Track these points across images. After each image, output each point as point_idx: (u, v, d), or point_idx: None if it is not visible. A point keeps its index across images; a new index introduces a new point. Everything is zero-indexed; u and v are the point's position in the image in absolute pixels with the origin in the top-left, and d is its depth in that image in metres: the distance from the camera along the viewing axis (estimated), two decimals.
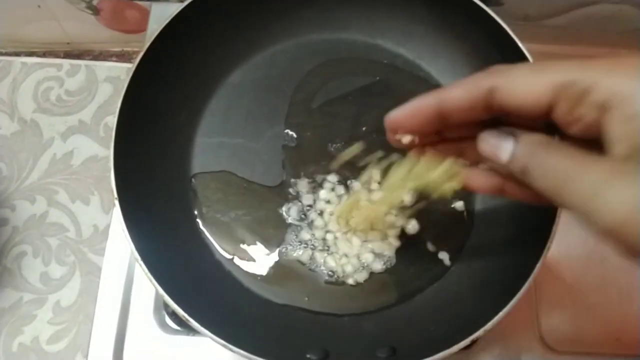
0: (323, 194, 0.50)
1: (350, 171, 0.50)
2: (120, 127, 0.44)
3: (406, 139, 0.34)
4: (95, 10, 0.63)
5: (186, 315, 0.39)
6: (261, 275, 0.48)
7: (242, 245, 0.49)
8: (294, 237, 0.49)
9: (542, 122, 0.28)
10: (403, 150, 0.36)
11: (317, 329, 0.46)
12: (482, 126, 0.31)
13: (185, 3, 0.47)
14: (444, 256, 0.49)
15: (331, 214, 0.49)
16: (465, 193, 0.51)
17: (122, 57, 0.69)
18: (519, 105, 0.27)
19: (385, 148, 0.52)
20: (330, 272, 0.48)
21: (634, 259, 0.23)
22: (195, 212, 0.50)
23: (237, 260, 0.48)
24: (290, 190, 0.50)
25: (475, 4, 0.48)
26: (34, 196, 0.61)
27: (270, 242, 0.49)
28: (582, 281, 0.52)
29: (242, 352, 0.38)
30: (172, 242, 0.46)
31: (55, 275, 0.58)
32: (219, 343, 0.38)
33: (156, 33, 0.46)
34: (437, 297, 0.47)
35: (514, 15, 0.60)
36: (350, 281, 0.48)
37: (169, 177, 0.50)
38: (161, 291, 0.40)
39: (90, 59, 0.68)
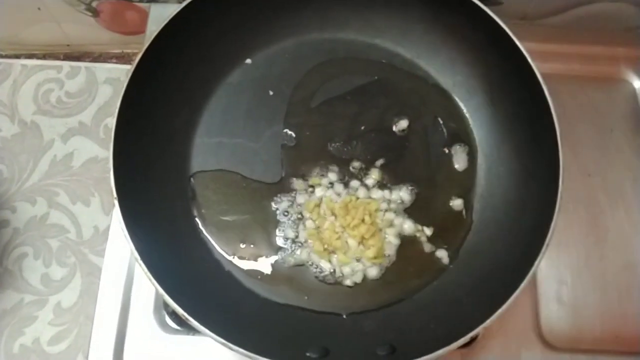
0: (319, 192, 0.50)
1: (348, 171, 0.51)
2: (119, 128, 0.44)
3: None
4: (95, 12, 0.63)
5: (186, 315, 0.39)
6: (261, 275, 0.48)
7: (241, 245, 0.49)
8: (294, 236, 0.49)
9: None
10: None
11: (317, 328, 0.46)
12: None
13: (184, 4, 0.47)
14: (442, 254, 0.49)
15: (329, 213, 0.49)
16: (464, 191, 0.51)
17: (122, 58, 0.69)
18: None
19: (383, 147, 0.52)
20: (329, 272, 0.48)
21: None
22: (195, 212, 0.50)
23: (236, 260, 0.48)
24: (289, 189, 0.50)
25: (473, 3, 0.47)
26: (34, 198, 0.61)
27: (270, 242, 0.49)
28: (582, 279, 0.52)
29: (242, 350, 0.38)
30: (171, 241, 0.47)
31: (56, 277, 0.58)
32: (219, 342, 0.38)
33: (155, 34, 0.47)
34: (437, 295, 0.47)
35: (513, 14, 0.60)
36: (348, 282, 0.48)
37: (168, 177, 0.50)
38: (161, 290, 0.40)
39: (90, 61, 0.69)
